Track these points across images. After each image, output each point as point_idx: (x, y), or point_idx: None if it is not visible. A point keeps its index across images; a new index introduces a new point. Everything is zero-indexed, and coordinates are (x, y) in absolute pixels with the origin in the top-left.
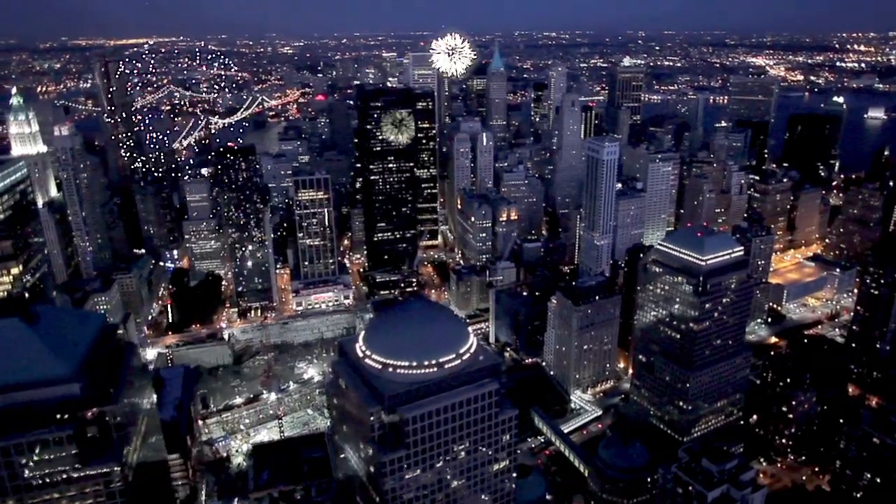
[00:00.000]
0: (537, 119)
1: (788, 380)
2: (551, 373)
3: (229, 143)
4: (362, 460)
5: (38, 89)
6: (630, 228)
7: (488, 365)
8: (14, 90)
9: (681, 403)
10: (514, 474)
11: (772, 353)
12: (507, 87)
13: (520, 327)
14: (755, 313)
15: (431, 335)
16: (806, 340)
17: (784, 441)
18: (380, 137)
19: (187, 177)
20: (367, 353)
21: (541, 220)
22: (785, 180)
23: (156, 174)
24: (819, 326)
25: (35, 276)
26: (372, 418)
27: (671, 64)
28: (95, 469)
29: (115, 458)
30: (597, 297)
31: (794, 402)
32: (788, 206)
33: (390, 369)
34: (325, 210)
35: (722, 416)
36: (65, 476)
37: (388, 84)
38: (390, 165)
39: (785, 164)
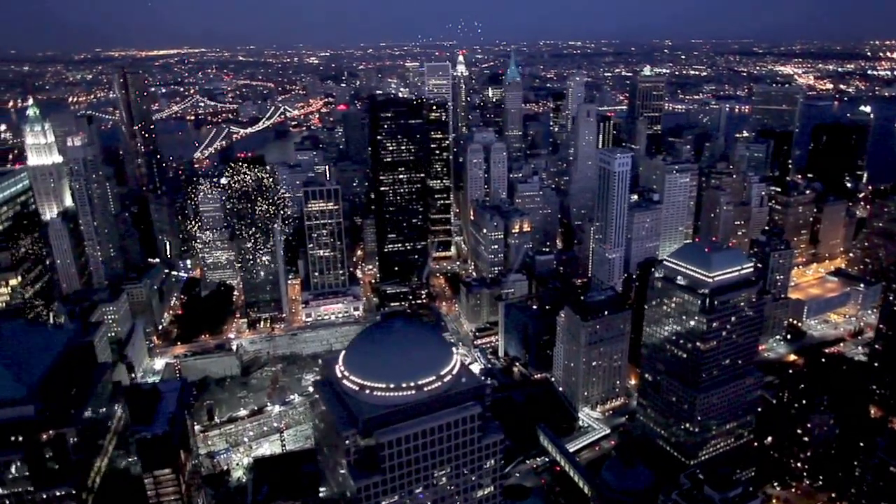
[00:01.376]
0: (556, 129)
1: (805, 400)
2: (560, 389)
3: (239, 154)
4: (339, 484)
5: (70, 99)
6: (645, 241)
7: (471, 387)
8: (30, 101)
9: (687, 425)
10: (502, 499)
11: (789, 371)
12: (530, 96)
13: (529, 342)
14: (774, 329)
15: (412, 356)
16: (824, 359)
17: (799, 465)
18: (390, 148)
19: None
20: (346, 372)
21: (556, 231)
22: (808, 192)
23: (175, 183)
24: (841, 344)
25: (35, 287)
26: (347, 441)
27: (697, 73)
28: (50, 493)
29: (73, 481)
30: (606, 313)
31: (810, 424)
32: (811, 219)
33: (367, 391)
34: (335, 221)
35: (731, 439)
36: (18, 500)
37: (400, 94)
38: (401, 176)
39: (809, 176)
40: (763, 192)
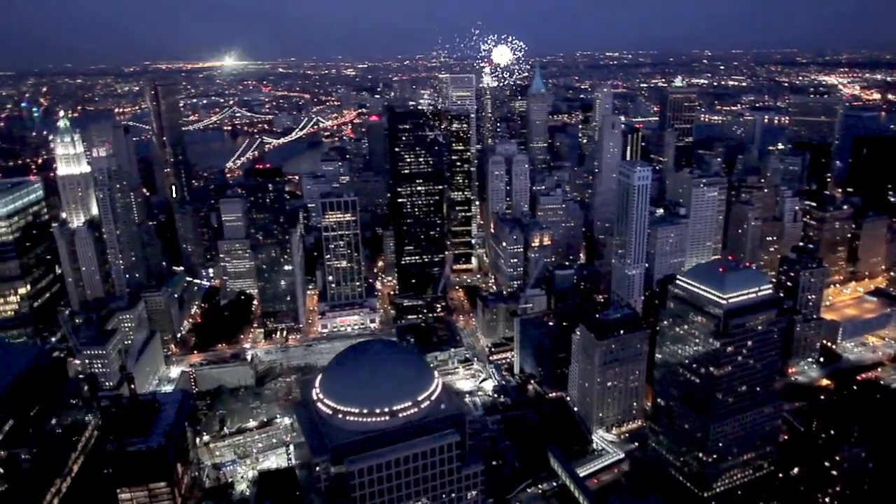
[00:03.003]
0: (584, 141)
1: (835, 430)
2: (575, 409)
3: (257, 165)
4: None
5: (116, 110)
6: (669, 257)
7: (450, 415)
8: (61, 113)
9: (701, 454)
10: None
11: (820, 396)
12: (562, 107)
13: (544, 359)
14: (805, 351)
15: (388, 380)
16: (858, 385)
17: (827, 500)
18: (407, 160)
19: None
20: (320, 395)
21: (580, 245)
22: (845, 207)
23: (204, 192)
24: (879, 369)
25: (46, 295)
26: (318, 468)
27: (736, 83)
28: None
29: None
30: (622, 332)
31: (840, 456)
32: (849, 235)
33: (340, 415)
34: (352, 232)
35: (750, 470)
36: None
37: (429, 105)
38: (419, 188)
39: (849, 190)
40: (797, 207)
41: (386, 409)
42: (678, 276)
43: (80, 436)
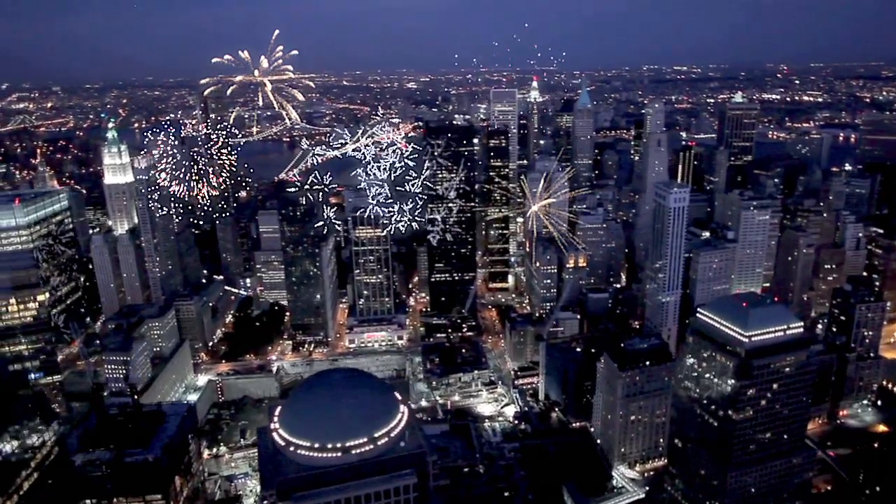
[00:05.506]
0: (637, 158)
1: (881, 485)
2: (598, 441)
3: (287, 178)
4: None
5: (185, 121)
6: (713, 283)
7: (409, 454)
8: (110, 125)
9: None
10: None
11: (874, 445)
12: (621, 122)
13: (568, 387)
14: (859, 393)
15: (346, 413)
16: None
17: None
18: (439, 176)
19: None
20: (277, 425)
21: (620, 267)
22: None
23: (252, 203)
24: None
25: (67, 302)
26: (265, 502)
27: (811, 99)
28: None
29: None
30: (647, 363)
31: None
32: None
33: (292, 448)
34: (383, 248)
35: None
36: None
37: (464, 120)
38: (450, 205)
39: None
40: (860, 234)
41: (339, 445)
42: (699, 309)
43: (39, 450)
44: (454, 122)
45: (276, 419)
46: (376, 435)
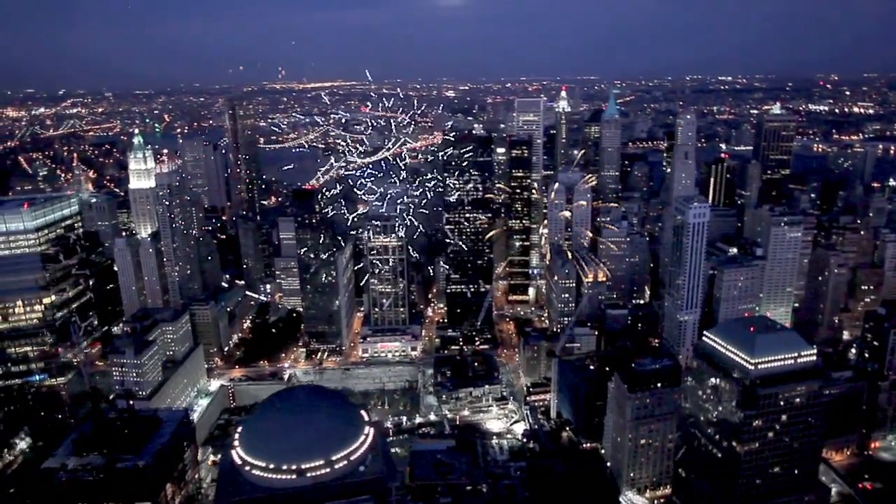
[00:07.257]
0: (668, 170)
1: None
2: (608, 464)
3: (306, 186)
4: None
5: (225, 127)
6: (738, 302)
7: (369, 479)
8: (136, 131)
9: None
10: None
11: None
12: (658, 133)
13: (580, 405)
14: (893, 424)
15: (304, 434)
16: None
17: None
18: (456, 185)
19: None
20: (237, 442)
21: (644, 282)
22: None
23: (277, 209)
24: None
25: (74, 305)
26: None
27: (861, 110)
28: None
29: None
30: (658, 385)
31: None
32: None
33: (248, 467)
34: (398, 257)
35: None
36: None
37: (475, 131)
38: (466, 216)
39: None
40: None
41: (293, 467)
42: (705, 332)
43: None
44: (472, 132)
45: (235, 437)
46: (334, 458)
